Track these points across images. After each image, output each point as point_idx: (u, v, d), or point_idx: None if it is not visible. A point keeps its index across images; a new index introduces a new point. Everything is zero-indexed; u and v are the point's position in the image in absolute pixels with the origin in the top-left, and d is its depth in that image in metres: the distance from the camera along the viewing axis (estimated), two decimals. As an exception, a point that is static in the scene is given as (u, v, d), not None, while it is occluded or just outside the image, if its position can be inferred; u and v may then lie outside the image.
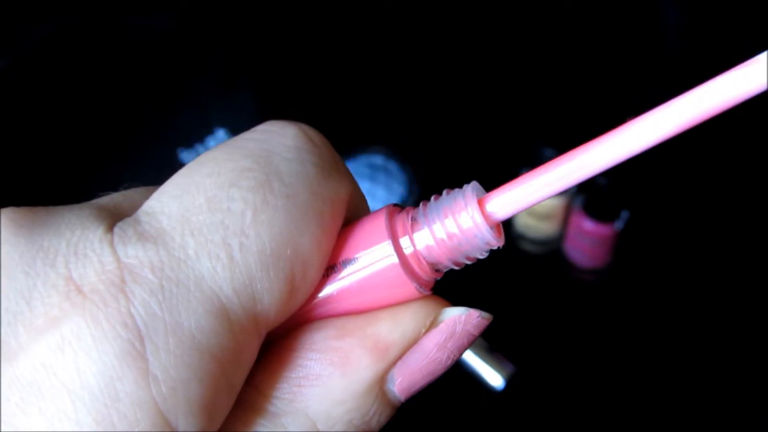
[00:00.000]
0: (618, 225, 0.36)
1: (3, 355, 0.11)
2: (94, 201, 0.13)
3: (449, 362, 0.12)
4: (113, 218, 0.12)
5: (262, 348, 0.12)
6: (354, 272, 0.12)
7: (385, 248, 0.12)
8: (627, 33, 0.41)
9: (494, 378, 0.38)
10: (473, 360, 0.38)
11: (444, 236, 0.12)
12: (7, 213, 0.12)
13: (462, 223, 0.12)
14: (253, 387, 0.12)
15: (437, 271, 0.12)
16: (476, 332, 0.13)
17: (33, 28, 0.33)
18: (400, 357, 0.13)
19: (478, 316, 0.12)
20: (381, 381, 0.13)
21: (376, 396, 0.13)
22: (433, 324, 0.13)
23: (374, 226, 0.12)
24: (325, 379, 0.13)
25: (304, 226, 0.12)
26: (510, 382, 0.37)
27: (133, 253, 0.11)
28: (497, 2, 0.41)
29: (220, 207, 0.12)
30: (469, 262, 0.12)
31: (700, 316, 0.38)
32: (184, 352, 0.11)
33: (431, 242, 0.12)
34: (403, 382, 0.13)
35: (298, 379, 0.13)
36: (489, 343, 0.38)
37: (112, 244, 0.12)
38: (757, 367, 0.35)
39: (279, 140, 0.13)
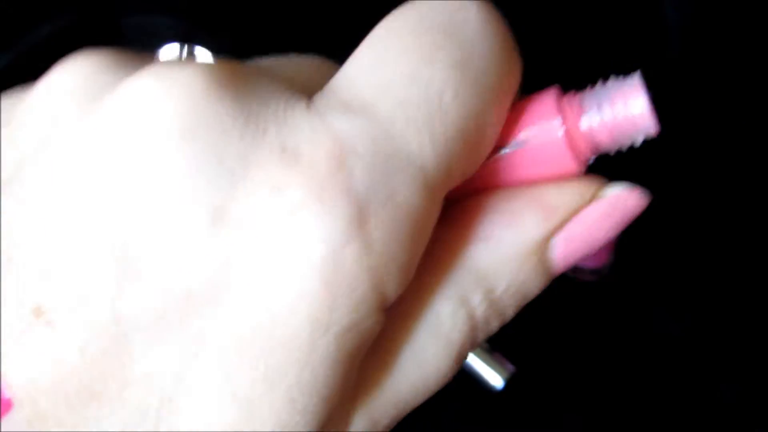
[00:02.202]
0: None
1: (224, 219, 0.11)
2: (275, 71, 0.13)
3: (606, 238, 0.13)
4: (304, 89, 0.12)
5: (449, 208, 0.13)
6: (521, 148, 0.13)
7: (555, 127, 0.12)
8: (627, 33, 0.41)
9: (494, 378, 0.38)
10: (473, 360, 0.38)
11: (610, 120, 0.12)
12: (210, 71, 0.12)
13: (629, 109, 0.12)
14: (437, 241, 0.13)
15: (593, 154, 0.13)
16: (636, 211, 0.13)
17: (33, 28, 0.33)
18: (564, 223, 0.13)
19: (639, 194, 0.13)
20: (544, 245, 0.13)
21: (539, 260, 0.13)
22: (594, 197, 0.13)
23: (544, 105, 0.13)
24: (496, 238, 0.13)
25: (493, 104, 0.13)
26: (510, 382, 0.37)
27: (344, 126, 0.12)
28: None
29: (420, 84, 0.12)
30: (625, 149, 0.13)
31: (700, 317, 0.38)
32: (398, 226, 0.12)
33: (596, 125, 0.12)
34: (563, 250, 0.13)
35: (473, 237, 0.13)
36: (489, 343, 0.38)
37: (320, 115, 0.12)
38: (759, 368, 0.35)
39: (465, 15, 0.13)
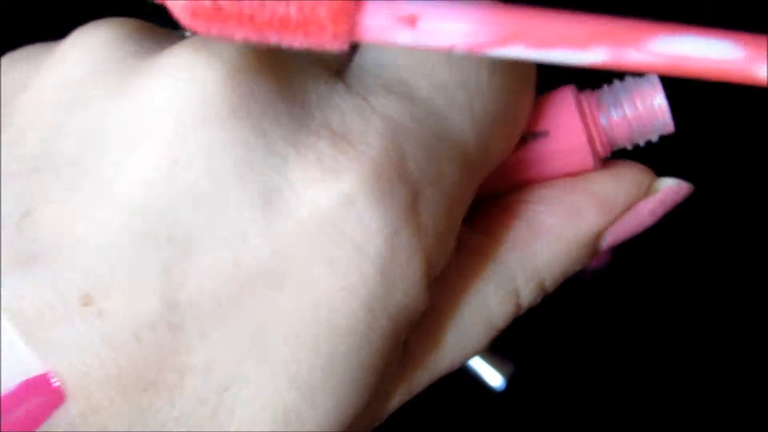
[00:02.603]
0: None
1: (278, 202, 0.11)
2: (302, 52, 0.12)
3: (650, 225, 0.13)
4: (333, 69, 0.12)
5: (493, 200, 0.13)
6: (543, 141, 0.13)
7: (575, 122, 0.12)
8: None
9: (494, 378, 0.38)
10: (473, 360, 0.38)
11: (628, 117, 0.13)
12: (251, 49, 0.11)
13: (648, 107, 0.12)
14: (488, 235, 0.13)
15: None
16: (679, 202, 0.13)
17: None
18: (620, 216, 0.13)
19: (687, 187, 0.13)
20: (599, 236, 0.13)
21: (591, 250, 0.13)
22: (649, 190, 0.13)
23: (563, 101, 0.13)
24: (556, 230, 0.13)
25: (525, 91, 0.13)
26: (510, 382, 0.37)
27: (390, 109, 0.12)
28: None
29: (457, 65, 0.12)
30: (642, 144, 0.13)
31: (701, 316, 0.38)
32: (444, 207, 0.12)
33: (615, 122, 0.13)
34: (612, 239, 0.14)
35: (531, 231, 0.13)
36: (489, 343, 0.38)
37: (362, 97, 0.11)
38: (760, 368, 0.35)
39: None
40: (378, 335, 0.11)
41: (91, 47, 0.12)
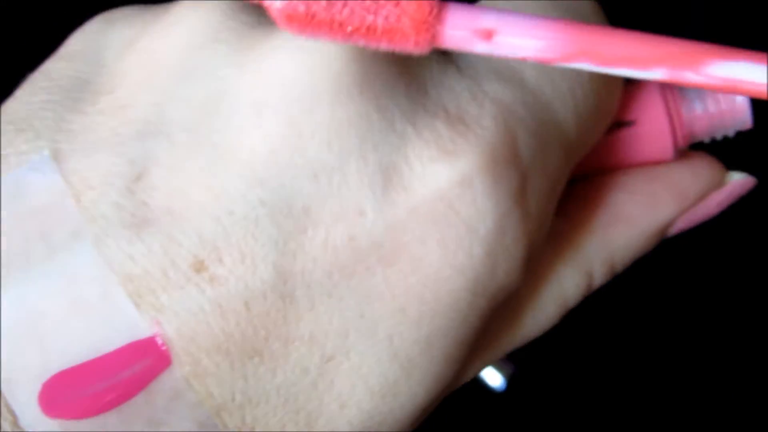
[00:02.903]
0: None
1: (395, 179, 0.11)
2: None
3: (714, 215, 0.14)
4: (442, 53, 0.12)
5: (574, 185, 0.13)
6: (625, 131, 0.13)
7: (660, 113, 0.13)
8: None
9: (494, 378, 0.38)
10: (474, 359, 0.38)
11: (710, 111, 0.13)
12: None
13: (729, 102, 0.13)
14: (568, 219, 0.13)
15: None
16: (743, 194, 0.14)
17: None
18: (692, 206, 0.14)
19: (753, 181, 0.14)
20: (670, 225, 0.14)
21: (661, 237, 0.14)
22: (720, 182, 0.14)
23: (648, 92, 0.13)
24: (633, 218, 0.14)
25: (617, 81, 0.13)
26: (510, 382, 0.37)
27: (502, 94, 0.12)
28: None
29: None
30: (718, 138, 0.13)
31: (701, 316, 0.38)
32: (547, 192, 0.12)
33: (697, 115, 0.13)
34: (680, 226, 0.14)
35: (609, 217, 0.14)
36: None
37: (474, 80, 0.12)
38: (760, 369, 0.36)
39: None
40: (476, 314, 0.12)
41: (207, 15, 0.12)
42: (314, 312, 0.11)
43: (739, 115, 0.13)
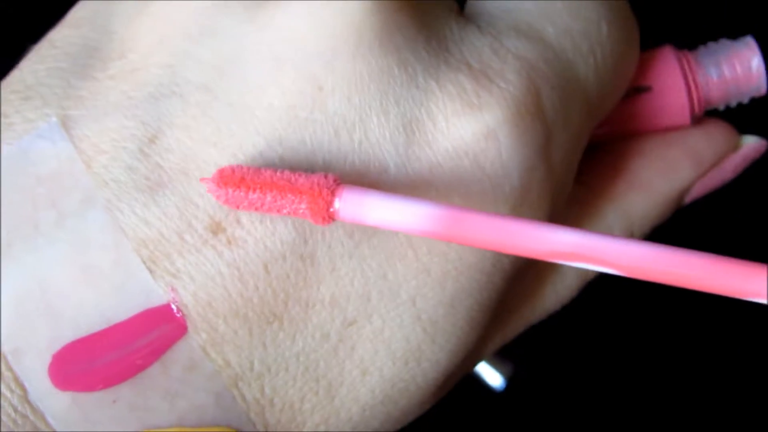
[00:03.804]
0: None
1: (419, 132, 0.11)
2: None
3: (729, 181, 0.14)
4: (461, 11, 0.12)
5: (592, 153, 0.13)
6: (642, 97, 0.13)
7: (677, 78, 0.13)
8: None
9: (494, 378, 0.38)
10: (474, 360, 0.38)
11: (726, 77, 0.13)
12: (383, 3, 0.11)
13: (745, 69, 0.13)
14: (587, 186, 0.13)
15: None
16: (757, 158, 0.14)
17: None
18: (708, 171, 0.14)
19: (766, 145, 0.14)
20: (688, 190, 0.13)
21: (678, 203, 0.14)
22: (735, 147, 0.14)
23: (664, 58, 0.13)
24: (651, 184, 0.13)
25: (635, 44, 0.13)
26: (510, 382, 0.37)
27: (524, 50, 0.11)
28: None
29: (579, 15, 0.12)
30: (733, 106, 0.13)
31: (701, 316, 0.38)
32: (570, 148, 0.12)
33: (712, 81, 0.13)
34: (696, 192, 0.14)
35: (627, 183, 0.13)
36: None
37: (494, 37, 0.11)
38: (760, 369, 0.36)
39: None
40: (500, 276, 0.12)
41: None
42: (335, 274, 0.11)
43: (754, 81, 0.13)
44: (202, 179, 0.10)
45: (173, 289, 0.11)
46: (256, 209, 0.10)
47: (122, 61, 0.11)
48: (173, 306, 0.11)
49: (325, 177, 0.10)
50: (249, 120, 0.11)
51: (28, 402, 0.11)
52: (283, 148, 0.11)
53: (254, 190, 0.10)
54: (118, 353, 0.11)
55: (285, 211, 0.10)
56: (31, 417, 0.11)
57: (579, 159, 0.13)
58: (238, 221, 0.11)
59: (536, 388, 0.38)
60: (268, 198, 0.10)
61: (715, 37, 0.13)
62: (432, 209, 0.10)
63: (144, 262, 0.11)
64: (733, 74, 0.13)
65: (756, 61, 0.13)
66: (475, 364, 0.13)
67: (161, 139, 0.11)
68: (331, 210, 0.10)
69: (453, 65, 0.11)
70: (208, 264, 0.11)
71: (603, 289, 0.43)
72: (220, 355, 0.11)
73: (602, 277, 0.38)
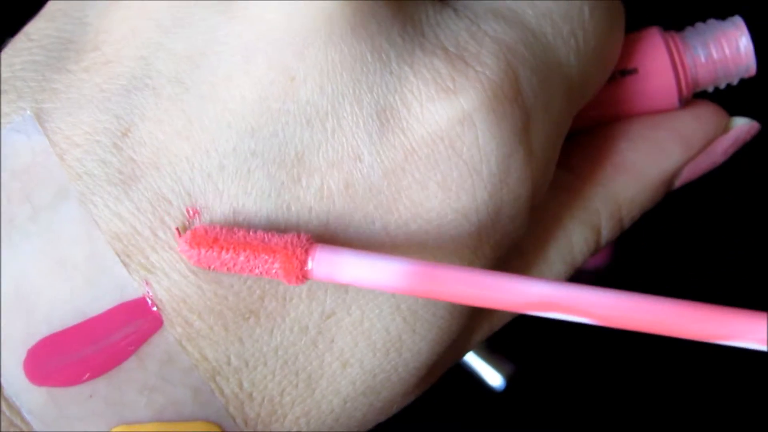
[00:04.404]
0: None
1: (393, 120, 0.10)
2: None
3: (719, 164, 0.13)
4: None
5: (577, 137, 0.13)
6: (629, 79, 0.13)
7: (664, 60, 0.13)
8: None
9: (494, 378, 0.37)
10: (473, 360, 0.38)
11: (714, 58, 0.13)
12: None
13: (733, 49, 0.13)
14: (572, 172, 0.13)
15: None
16: (748, 140, 0.13)
17: None
18: (698, 154, 0.13)
19: (757, 126, 0.13)
20: (677, 173, 0.13)
21: (667, 187, 0.13)
22: (725, 129, 0.13)
23: (650, 40, 0.13)
24: (639, 167, 0.13)
25: (619, 27, 0.13)
26: (510, 382, 0.37)
27: (499, 30, 0.11)
28: None
29: None
30: (722, 87, 0.13)
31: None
32: (551, 133, 0.11)
33: (700, 62, 0.13)
34: (686, 176, 0.14)
35: (614, 166, 0.13)
36: (489, 342, 0.38)
37: (472, 20, 0.11)
38: (759, 370, 0.35)
39: None
40: (481, 262, 0.11)
41: None
42: None
43: (743, 62, 0.13)
44: (176, 237, 0.10)
45: (148, 284, 0.10)
46: (229, 269, 0.10)
47: (96, 53, 0.11)
48: (148, 300, 0.10)
49: (299, 236, 0.10)
50: (221, 112, 0.11)
51: (4, 398, 0.10)
52: (254, 141, 0.11)
53: (227, 251, 0.10)
54: (94, 347, 0.10)
55: (257, 271, 0.10)
56: (7, 413, 0.10)
57: (561, 143, 0.12)
58: (212, 218, 0.11)
59: (536, 388, 0.38)
60: (241, 258, 0.10)
61: (703, 18, 0.13)
62: (405, 266, 0.10)
63: (118, 256, 0.10)
64: (721, 55, 0.13)
65: (744, 40, 0.13)
66: (462, 354, 0.13)
67: (134, 133, 0.11)
68: (305, 269, 0.10)
69: (428, 50, 0.11)
70: (182, 262, 0.10)
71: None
72: (197, 349, 0.11)
73: (602, 276, 0.38)
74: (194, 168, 0.11)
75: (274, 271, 0.10)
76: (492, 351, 0.39)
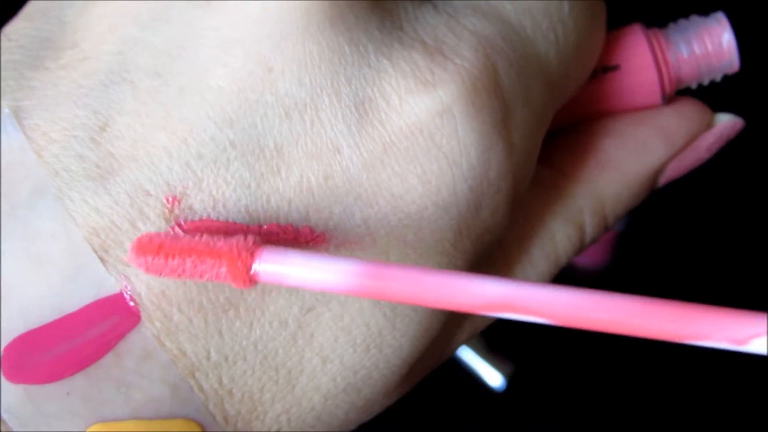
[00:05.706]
0: (618, 226, 0.37)
1: (371, 113, 0.10)
2: None
3: (704, 161, 0.13)
4: None
5: (560, 135, 0.13)
6: (611, 76, 0.13)
7: (646, 57, 0.12)
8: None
9: (494, 378, 0.37)
10: (473, 360, 0.38)
11: (696, 54, 0.13)
12: None
13: (715, 45, 0.12)
14: (555, 169, 0.13)
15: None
16: (732, 137, 0.13)
17: None
18: (682, 150, 0.13)
19: (741, 122, 0.13)
20: (661, 171, 0.13)
21: (651, 185, 0.13)
22: (708, 125, 0.13)
23: (633, 37, 0.13)
24: (622, 164, 0.13)
25: (600, 23, 0.13)
26: (510, 382, 0.37)
27: (481, 27, 0.11)
28: None
29: None
30: (705, 84, 0.13)
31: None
32: (531, 127, 0.11)
33: (683, 59, 0.13)
34: (670, 173, 0.13)
35: (598, 163, 0.13)
36: (489, 342, 0.38)
37: (451, 15, 0.11)
38: (759, 370, 0.35)
39: None
40: (461, 257, 0.11)
41: None
42: None
43: (725, 58, 0.13)
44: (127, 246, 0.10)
45: (126, 278, 0.10)
46: (179, 275, 0.10)
47: (74, 50, 0.11)
48: (126, 295, 0.10)
49: (245, 239, 0.10)
50: (199, 104, 0.11)
51: None
52: (233, 131, 0.10)
53: (173, 257, 0.10)
54: (71, 344, 0.10)
55: (206, 276, 0.10)
56: None
57: (542, 137, 0.12)
58: (191, 208, 0.10)
59: (536, 388, 0.38)
60: (188, 264, 0.10)
61: (686, 14, 0.13)
62: (354, 267, 0.10)
63: (95, 251, 0.10)
64: (704, 51, 0.13)
65: (727, 36, 0.13)
66: (446, 355, 0.13)
67: (112, 126, 0.11)
68: (252, 272, 0.10)
69: (407, 43, 0.11)
70: None
71: (602, 288, 0.42)
72: (175, 344, 0.10)
73: (601, 276, 0.38)
74: (172, 157, 0.11)
75: (222, 274, 0.10)
76: (492, 351, 0.39)
